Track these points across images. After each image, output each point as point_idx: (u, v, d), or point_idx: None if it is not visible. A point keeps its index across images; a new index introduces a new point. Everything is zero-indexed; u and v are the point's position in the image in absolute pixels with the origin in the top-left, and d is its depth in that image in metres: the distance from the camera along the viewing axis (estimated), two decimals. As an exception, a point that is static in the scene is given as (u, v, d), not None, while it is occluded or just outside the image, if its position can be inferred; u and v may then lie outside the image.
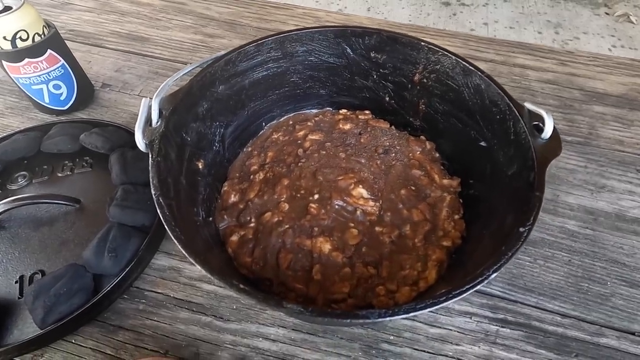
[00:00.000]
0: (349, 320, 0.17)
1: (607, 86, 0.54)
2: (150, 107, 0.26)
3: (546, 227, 0.39)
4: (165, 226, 0.21)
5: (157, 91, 0.27)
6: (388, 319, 0.17)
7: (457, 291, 0.18)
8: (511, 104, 0.28)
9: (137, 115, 0.49)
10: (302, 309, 0.17)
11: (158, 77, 0.55)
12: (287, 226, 0.31)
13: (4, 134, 0.45)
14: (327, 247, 0.29)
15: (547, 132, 0.25)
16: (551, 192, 0.42)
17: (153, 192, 0.22)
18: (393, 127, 0.39)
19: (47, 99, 0.46)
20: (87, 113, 0.50)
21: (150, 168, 0.23)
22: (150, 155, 0.24)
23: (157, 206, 0.21)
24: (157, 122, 0.26)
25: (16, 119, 0.49)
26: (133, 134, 0.43)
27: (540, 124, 0.26)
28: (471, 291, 0.18)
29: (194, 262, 0.19)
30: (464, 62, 0.31)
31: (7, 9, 0.40)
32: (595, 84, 0.55)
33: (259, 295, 0.18)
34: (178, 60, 0.58)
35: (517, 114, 0.27)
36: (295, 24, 0.65)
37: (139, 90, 0.53)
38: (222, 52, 0.32)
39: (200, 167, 0.31)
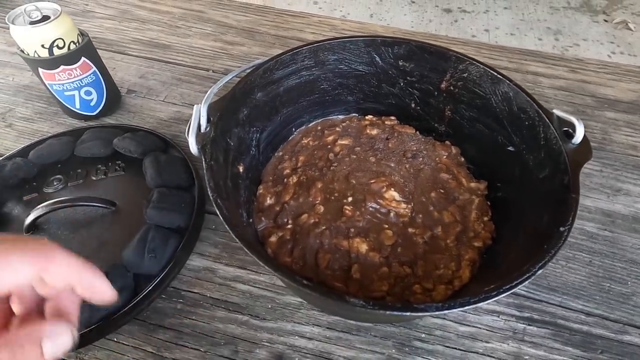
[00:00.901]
0: (409, 314, 0.18)
1: (618, 93, 0.56)
2: (200, 114, 0.27)
3: (566, 229, 0.40)
4: (227, 227, 0.22)
5: (205, 98, 0.28)
6: (448, 311, 0.19)
7: (513, 283, 0.19)
8: (540, 111, 0.29)
9: (164, 119, 0.51)
10: (364, 303, 0.19)
11: (181, 83, 0.56)
12: (323, 227, 0.32)
13: (36, 139, 0.46)
14: (364, 247, 0.31)
15: (578, 137, 0.26)
16: (569, 195, 0.43)
17: (210, 194, 0.23)
18: (418, 132, 0.41)
19: (78, 105, 0.47)
20: (114, 118, 0.51)
21: (205, 171, 0.25)
22: (203, 159, 0.25)
23: (216, 207, 0.23)
24: (206, 127, 0.28)
25: (45, 124, 0.50)
26: (162, 139, 0.45)
27: (570, 130, 0.27)
28: (525, 283, 0.19)
29: (258, 259, 0.20)
30: (492, 71, 0.32)
31: (45, 18, 0.41)
32: (606, 90, 0.57)
33: (322, 290, 0.19)
34: (200, 67, 0.59)
35: (547, 120, 0.28)
36: (311, 31, 0.67)
37: (164, 96, 0.54)
38: (260, 61, 0.34)
39: (241, 170, 0.32)
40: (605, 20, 2.26)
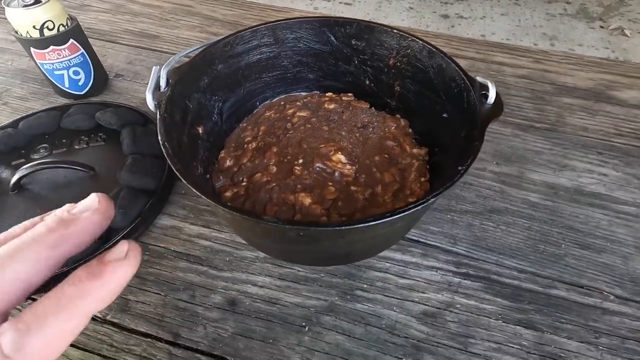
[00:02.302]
0: (312, 228, 0.22)
1: (577, 81, 0.59)
2: (159, 75, 0.31)
3: (510, 198, 0.43)
4: (169, 161, 0.25)
5: (166, 62, 0.32)
6: (346, 227, 0.22)
7: (405, 207, 0.22)
8: (465, 79, 0.32)
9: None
10: (276, 221, 0.22)
11: (166, 68, 0.61)
12: (274, 184, 0.35)
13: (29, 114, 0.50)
14: (307, 200, 0.34)
15: (491, 98, 0.30)
16: (517, 169, 0.46)
17: (159, 138, 0.27)
18: (373, 107, 0.44)
19: (67, 84, 0.52)
20: (101, 98, 0.55)
21: (157, 122, 0.28)
22: (157, 112, 0.29)
23: (162, 148, 0.26)
24: (165, 88, 0.31)
25: (38, 102, 0.55)
26: (143, 115, 0.49)
27: (487, 92, 0.31)
28: (417, 208, 0.22)
29: (191, 186, 0.24)
30: (429, 45, 0.36)
31: (37, 1, 0.45)
32: (566, 79, 0.60)
33: (243, 210, 0.22)
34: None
35: (470, 85, 0.32)
36: (292, 24, 0.71)
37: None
38: (222, 37, 0.38)
39: (200, 132, 0.36)
40: (602, 27, 2.28)
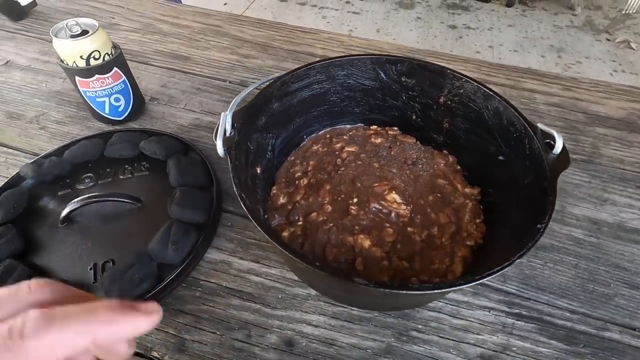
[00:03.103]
0: (404, 292, 0.22)
1: (609, 110, 0.60)
2: (226, 120, 0.31)
3: (555, 234, 0.44)
4: (250, 217, 0.25)
5: (230, 106, 0.32)
6: (437, 291, 0.22)
7: (494, 269, 0.22)
8: (526, 125, 0.33)
9: (184, 125, 0.55)
10: (367, 282, 0.22)
11: (200, 92, 0.61)
12: (331, 224, 0.36)
13: (68, 140, 0.50)
14: (367, 242, 0.34)
15: (558, 148, 0.30)
16: (559, 203, 0.47)
17: (235, 189, 0.27)
18: (418, 142, 0.44)
19: (107, 110, 0.52)
20: (139, 123, 0.56)
21: (230, 170, 0.28)
22: (229, 160, 0.29)
23: (240, 200, 0.26)
24: (231, 132, 0.31)
25: (75, 127, 0.55)
26: (184, 143, 0.49)
27: (552, 142, 0.31)
28: (504, 270, 0.23)
29: (277, 244, 0.24)
30: (484, 88, 0.36)
31: (84, 32, 0.46)
32: (597, 108, 0.60)
33: (331, 270, 0.23)
34: (217, 77, 0.64)
35: (532, 133, 0.32)
36: (321, 47, 0.72)
37: (184, 104, 0.59)
38: (277, 75, 0.38)
39: (259, 171, 0.36)
40: (608, 39, 2.31)
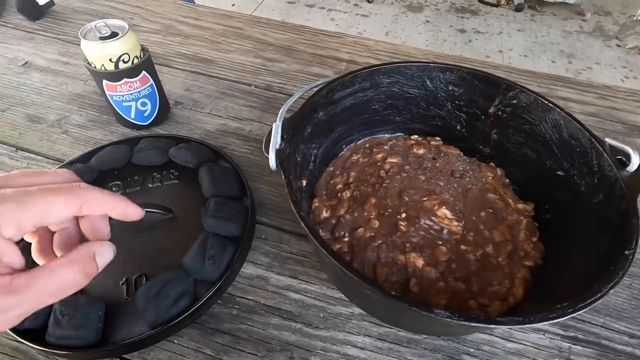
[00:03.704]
0: (493, 326, 0.20)
1: (647, 120, 0.58)
2: (277, 131, 0.29)
3: (604, 251, 0.42)
4: (314, 239, 0.23)
5: (279, 116, 0.31)
6: (527, 325, 0.20)
7: (593, 298, 0.21)
8: (593, 139, 0.31)
9: (211, 131, 0.53)
10: (451, 314, 0.20)
11: (226, 97, 0.59)
12: (380, 241, 0.34)
13: (91, 146, 0.48)
14: (420, 262, 0.32)
15: (634, 165, 0.28)
16: (605, 218, 0.45)
17: (294, 208, 0.25)
18: (462, 153, 0.42)
19: (133, 115, 0.50)
20: (164, 128, 0.54)
21: (286, 187, 0.26)
22: (283, 176, 0.27)
23: (300, 220, 0.24)
24: (281, 144, 0.30)
25: (99, 131, 0.53)
26: (214, 150, 0.47)
27: (624, 159, 0.29)
28: (599, 301, 0.21)
29: (346, 269, 0.22)
30: (543, 100, 0.34)
31: (114, 34, 0.44)
32: (635, 118, 0.58)
33: (410, 300, 0.21)
34: (243, 82, 0.62)
35: (600, 148, 0.30)
36: (347, 51, 0.70)
37: (209, 109, 0.57)
38: (323, 81, 0.36)
39: (304, 184, 0.34)
40: (618, 45, 2.29)
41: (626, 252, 0.23)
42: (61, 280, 0.21)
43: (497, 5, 2.59)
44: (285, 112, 0.32)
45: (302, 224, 0.24)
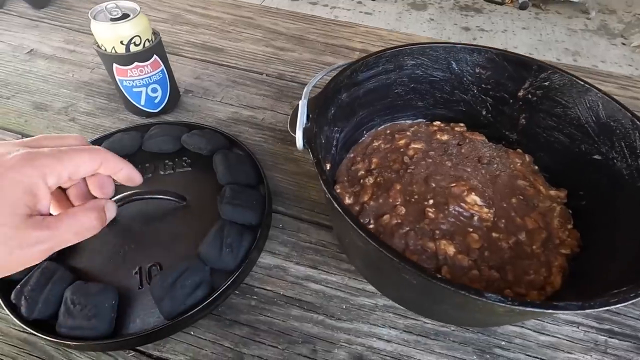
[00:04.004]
0: (550, 311, 0.18)
1: (670, 111, 0.56)
2: (304, 109, 0.27)
3: (636, 242, 0.40)
4: (348, 219, 0.22)
5: (304, 94, 0.29)
6: (588, 310, 0.18)
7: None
8: (635, 120, 0.29)
9: (222, 119, 0.51)
10: (503, 299, 0.18)
11: (237, 85, 0.57)
12: (407, 228, 0.32)
13: (101, 134, 0.47)
14: (451, 249, 0.30)
15: (682, 146, 0.27)
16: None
17: (326, 187, 0.24)
18: (486, 139, 0.41)
19: (143, 102, 0.48)
20: (174, 116, 0.52)
21: (315, 166, 0.25)
22: (311, 154, 0.26)
23: (335, 201, 0.23)
24: (307, 123, 0.28)
25: (107, 119, 0.51)
26: (228, 137, 0.45)
27: (670, 139, 0.27)
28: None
29: (387, 252, 0.20)
30: (579, 81, 0.33)
31: (125, 16, 0.42)
32: (658, 108, 0.57)
33: (459, 284, 0.19)
34: (253, 70, 0.60)
35: (644, 128, 0.28)
36: (359, 40, 0.68)
37: (221, 97, 0.55)
38: (345, 62, 0.34)
39: (328, 168, 0.33)
40: (623, 44, 2.28)
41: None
42: (82, 221, 0.25)
43: (501, 3, 2.57)
44: (309, 91, 0.30)
45: (336, 205, 0.23)
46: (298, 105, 0.28)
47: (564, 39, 2.32)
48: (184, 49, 0.64)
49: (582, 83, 0.33)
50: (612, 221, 0.30)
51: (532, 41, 2.30)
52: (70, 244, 0.24)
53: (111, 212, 0.28)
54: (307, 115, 0.29)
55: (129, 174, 0.29)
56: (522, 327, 0.34)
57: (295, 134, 0.26)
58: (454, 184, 0.34)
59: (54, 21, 0.67)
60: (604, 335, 0.34)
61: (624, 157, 0.30)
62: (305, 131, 0.27)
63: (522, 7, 2.53)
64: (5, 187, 0.21)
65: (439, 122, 0.42)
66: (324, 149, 0.31)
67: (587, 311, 0.21)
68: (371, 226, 0.33)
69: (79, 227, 0.25)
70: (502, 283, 0.29)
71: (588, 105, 0.33)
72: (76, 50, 0.62)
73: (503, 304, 0.18)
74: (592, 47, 2.26)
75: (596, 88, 0.32)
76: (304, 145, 0.26)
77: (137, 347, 0.32)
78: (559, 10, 2.55)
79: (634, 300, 0.19)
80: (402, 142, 0.39)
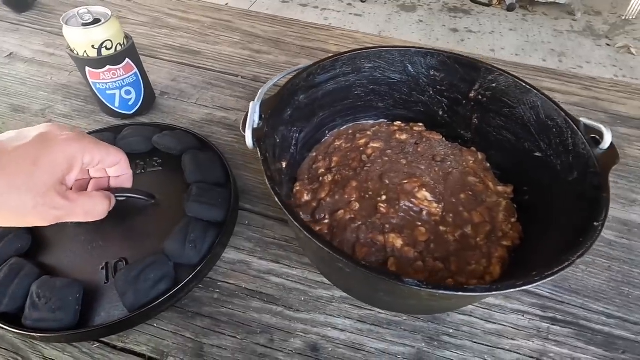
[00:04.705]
0: (460, 293, 0.20)
1: (629, 110, 0.59)
2: (255, 110, 0.29)
3: (585, 235, 0.42)
4: (287, 212, 0.24)
5: (257, 96, 0.31)
6: (495, 293, 0.20)
7: (555, 269, 0.21)
8: (568, 119, 0.31)
9: (196, 121, 0.53)
10: (419, 283, 0.20)
11: (212, 87, 0.59)
12: (359, 223, 0.34)
13: (76, 134, 0.48)
14: (399, 242, 0.32)
15: (606, 143, 0.29)
16: (587, 204, 0.45)
17: (269, 183, 0.25)
18: (444, 138, 0.43)
19: (117, 104, 0.50)
20: (149, 118, 0.53)
21: (262, 164, 0.26)
22: (259, 153, 0.27)
23: (274, 195, 0.24)
24: (259, 123, 0.30)
25: (83, 121, 0.53)
26: (199, 138, 0.47)
27: (597, 137, 0.29)
28: (563, 271, 0.21)
29: (320, 243, 0.22)
30: (521, 82, 0.35)
31: (96, 20, 0.44)
32: (618, 107, 0.59)
33: (379, 270, 0.21)
34: (229, 72, 0.62)
35: (575, 127, 0.30)
36: (335, 43, 0.70)
37: (196, 99, 0.57)
38: (304, 65, 0.36)
39: (284, 166, 0.34)
40: (608, 45, 2.32)
41: (595, 223, 0.24)
42: (95, 203, 0.31)
43: (489, 5, 2.61)
44: (264, 93, 0.32)
45: (276, 199, 0.24)
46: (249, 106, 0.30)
47: (550, 40, 2.36)
48: (162, 52, 0.65)
49: (524, 84, 0.35)
50: (547, 214, 0.32)
51: (519, 42, 2.34)
52: (78, 220, 0.30)
53: (113, 203, 0.33)
54: (260, 116, 0.30)
55: (129, 178, 0.36)
56: (471, 316, 0.36)
57: (245, 133, 0.28)
58: (406, 181, 0.36)
59: (35, 25, 0.69)
60: (547, 323, 0.36)
61: (559, 154, 0.32)
62: (255, 131, 0.29)
63: (510, 8, 2.57)
64: (55, 153, 0.26)
65: (399, 122, 0.44)
66: (279, 148, 0.33)
67: (507, 291, 0.22)
68: (326, 221, 0.35)
69: (91, 207, 0.30)
70: (446, 273, 0.31)
71: (530, 105, 0.35)
72: (55, 54, 0.63)
73: (418, 288, 0.20)
74: (578, 48, 2.30)
75: (536, 89, 0.34)
76: (253, 144, 0.28)
77: (101, 339, 0.33)
78: (546, 11, 2.59)
79: (536, 284, 0.21)
80: (362, 141, 0.41)
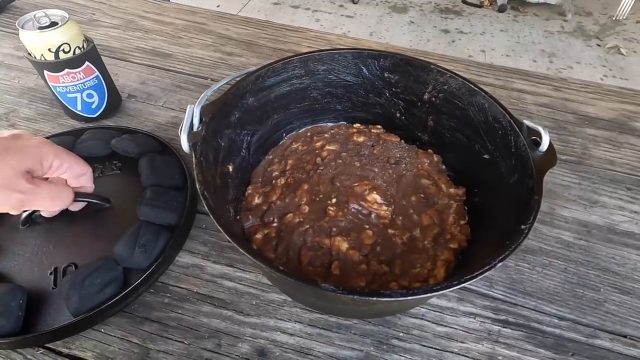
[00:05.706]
0: (375, 298, 0.20)
1: (598, 111, 0.59)
2: (193, 114, 0.29)
3: (543, 237, 0.42)
4: (211, 215, 0.23)
5: (199, 100, 0.30)
6: (414, 297, 0.20)
7: (473, 274, 0.21)
8: (512, 121, 0.31)
9: (162, 123, 0.53)
10: (335, 288, 0.20)
11: (180, 90, 0.59)
12: (307, 226, 0.34)
13: (37, 138, 0.48)
14: (344, 245, 0.32)
15: (544, 145, 0.28)
16: (548, 205, 0.45)
17: (198, 186, 0.25)
18: (402, 141, 0.43)
19: (79, 107, 0.49)
20: (114, 121, 0.53)
21: (194, 166, 0.26)
22: (193, 156, 0.27)
23: (202, 198, 0.24)
24: (198, 127, 0.29)
25: (47, 124, 0.52)
26: (160, 142, 0.47)
27: (538, 139, 0.29)
28: (484, 274, 0.21)
29: (238, 246, 0.22)
30: (469, 84, 0.35)
31: (53, 24, 0.43)
32: (587, 108, 0.59)
33: (297, 276, 0.21)
34: (199, 75, 0.62)
35: (518, 129, 0.30)
36: (308, 45, 0.70)
37: (163, 102, 0.57)
38: (253, 68, 0.36)
39: (231, 169, 0.34)
40: (598, 45, 2.33)
41: (522, 226, 0.24)
42: (60, 190, 0.33)
43: (480, 6, 2.61)
44: (207, 97, 0.32)
45: (204, 202, 0.24)
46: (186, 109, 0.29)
47: (540, 40, 2.36)
48: (133, 55, 0.65)
49: (472, 86, 0.34)
50: (491, 216, 0.32)
51: (510, 43, 2.34)
52: (44, 208, 0.33)
53: (72, 201, 0.35)
54: (201, 120, 0.30)
55: (90, 190, 0.38)
56: (422, 319, 0.35)
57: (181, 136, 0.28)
58: (357, 184, 0.36)
59: (6, 28, 0.68)
60: (498, 325, 0.35)
61: (504, 156, 0.32)
62: (191, 135, 0.28)
63: (501, 9, 2.57)
64: (28, 148, 0.29)
65: (358, 125, 0.44)
66: (224, 151, 0.33)
67: (427, 295, 0.22)
68: (275, 224, 0.35)
69: (57, 193, 0.32)
70: (390, 276, 0.31)
71: (478, 107, 0.34)
72: (25, 57, 0.63)
73: (333, 292, 0.20)
74: (568, 49, 2.30)
75: (483, 91, 0.34)
76: (189, 147, 0.28)
77: (46, 345, 0.33)
78: (537, 12, 2.59)
79: (453, 288, 0.20)
80: (318, 144, 0.41)
